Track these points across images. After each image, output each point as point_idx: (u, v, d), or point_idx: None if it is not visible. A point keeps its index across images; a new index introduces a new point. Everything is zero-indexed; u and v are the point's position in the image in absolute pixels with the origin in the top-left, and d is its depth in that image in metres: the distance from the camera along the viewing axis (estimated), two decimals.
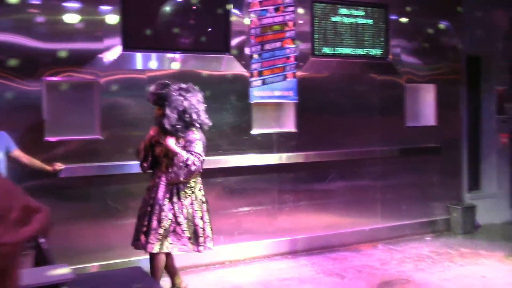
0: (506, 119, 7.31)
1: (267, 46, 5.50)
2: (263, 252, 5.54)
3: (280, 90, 5.59)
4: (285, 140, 5.66)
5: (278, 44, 5.55)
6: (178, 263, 5.04)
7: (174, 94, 3.95)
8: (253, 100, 5.45)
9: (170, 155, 3.96)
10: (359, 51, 6.15)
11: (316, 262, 5.39)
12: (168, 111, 3.92)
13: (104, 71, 4.80)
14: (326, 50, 5.92)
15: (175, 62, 5.12)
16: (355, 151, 6.06)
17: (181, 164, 3.87)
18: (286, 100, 5.66)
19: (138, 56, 4.98)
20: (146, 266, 3.94)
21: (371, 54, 6.22)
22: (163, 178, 3.99)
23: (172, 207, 3.92)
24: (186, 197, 3.97)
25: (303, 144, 5.75)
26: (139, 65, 4.98)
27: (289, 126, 5.76)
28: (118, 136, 4.86)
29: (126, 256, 4.73)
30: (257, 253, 5.51)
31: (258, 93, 5.48)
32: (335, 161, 5.97)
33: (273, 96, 5.58)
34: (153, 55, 5.04)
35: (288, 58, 5.61)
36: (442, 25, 6.68)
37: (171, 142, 3.94)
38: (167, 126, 3.92)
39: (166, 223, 3.89)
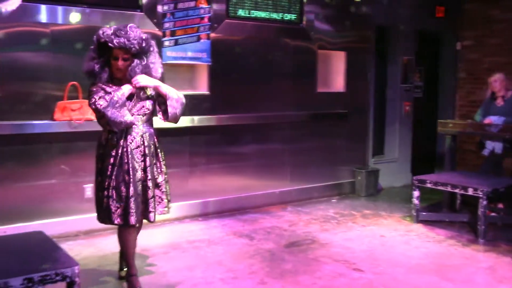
0: (409, 88, 7.70)
1: (181, 5, 5.33)
2: (174, 215, 5.49)
3: (193, 51, 5.49)
4: (198, 103, 5.59)
5: (192, 4, 5.40)
6: (82, 226, 4.93)
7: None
8: (165, 61, 5.30)
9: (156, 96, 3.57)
10: (274, 15, 6.14)
11: (226, 224, 5.46)
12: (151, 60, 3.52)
13: (1, 23, 4.45)
14: (241, 12, 5.86)
15: (82, 16, 4.84)
16: (268, 115, 6.13)
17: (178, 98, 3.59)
18: (199, 62, 5.57)
19: (42, 8, 4.65)
20: (49, 231, 3.79)
21: (286, 19, 6.24)
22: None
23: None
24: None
25: (216, 107, 5.72)
26: (42, 18, 4.66)
27: (202, 88, 5.70)
28: (17, 93, 4.56)
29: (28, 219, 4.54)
30: (168, 216, 5.46)
31: (170, 54, 5.34)
32: (247, 124, 6.01)
33: (186, 57, 5.46)
34: (59, 8, 4.73)
35: (202, 18, 5.49)
36: None
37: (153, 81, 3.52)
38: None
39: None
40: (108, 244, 4.66)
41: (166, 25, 5.28)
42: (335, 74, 6.89)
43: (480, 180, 5.37)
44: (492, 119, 5.75)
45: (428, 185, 5.50)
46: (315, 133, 6.60)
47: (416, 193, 5.53)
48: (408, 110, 7.71)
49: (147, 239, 4.85)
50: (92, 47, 3.52)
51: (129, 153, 3.47)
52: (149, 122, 3.64)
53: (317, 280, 3.93)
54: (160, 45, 5.22)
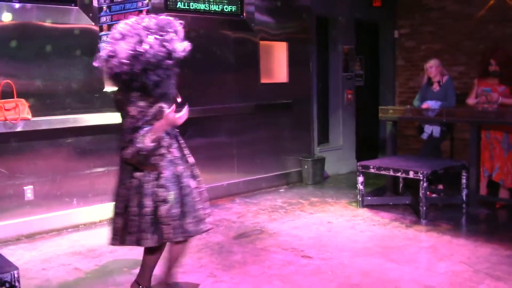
0: (351, 76, 7.86)
1: None
2: None
3: None
4: None
5: None
6: (23, 230, 4.76)
7: None
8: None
9: None
10: (214, 7, 6.11)
11: None
12: None
13: None
14: (180, 5, 5.79)
15: (14, 12, 4.65)
16: (212, 108, 6.10)
17: None
18: None
19: None
20: None
21: (226, 10, 6.22)
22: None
23: None
24: None
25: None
26: None
27: None
28: None
29: None
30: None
31: None
32: (192, 118, 5.91)
33: None
34: None
35: (140, 11, 5.36)
36: None
37: None
38: None
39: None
40: (51, 247, 4.52)
41: (103, 19, 5.14)
42: (278, 64, 6.94)
43: (420, 163, 5.56)
44: (429, 104, 5.94)
45: (372, 170, 5.64)
46: (261, 124, 6.63)
47: (360, 179, 5.66)
48: (350, 98, 7.86)
49: (93, 239, 4.75)
50: None
51: None
52: None
53: (266, 269, 3.96)
54: (97, 39, 5.09)
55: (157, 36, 2.95)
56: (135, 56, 2.88)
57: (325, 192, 6.58)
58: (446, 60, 7.12)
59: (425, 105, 5.98)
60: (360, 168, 5.68)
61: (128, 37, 2.93)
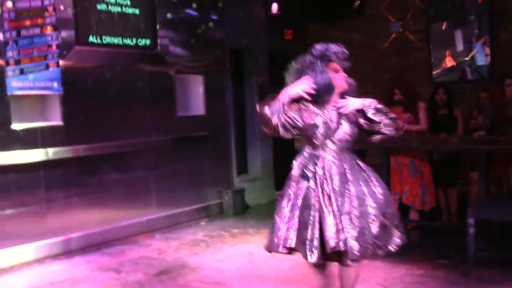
0: None
1: (24, 32, 5.03)
2: (33, 256, 5.11)
3: (42, 81, 5.19)
4: (51, 134, 5.29)
5: (37, 31, 5.11)
6: None
7: None
8: (11, 92, 4.95)
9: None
10: (128, 41, 6.05)
11: (91, 259, 5.19)
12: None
13: None
14: (92, 39, 5.68)
15: None
16: (128, 142, 5.98)
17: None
18: (50, 91, 5.28)
19: None
20: None
21: (140, 44, 6.18)
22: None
23: None
24: None
25: (71, 138, 5.44)
26: None
27: (55, 119, 5.40)
28: None
29: None
30: (26, 258, 5.06)
31: (16, 84, 5.00)
32: (107, 153, 5.81)
33: (35, 87, 5.15)
34: None
35: (49, 46, 5.22)
36: (208, 18, 6.98)
37: None
38: None
39: None
40: None
41: (9, 53, 4.94)
42: (195, 97, 6.96)
43: None
44: None
45: None
46: (179, 157, 6.58)
47: None
48: None
49: (3, 286, 4.45)
50: (306, 63, 3.37)
51: None
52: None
53: None
54: (3, 74, 4.87)
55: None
56: None
57: (246, 222, 6.60)
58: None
59: None
60: (278, 196, 5.75)
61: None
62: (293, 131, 3.19)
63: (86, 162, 5.59)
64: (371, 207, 3.07)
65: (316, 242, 2.98)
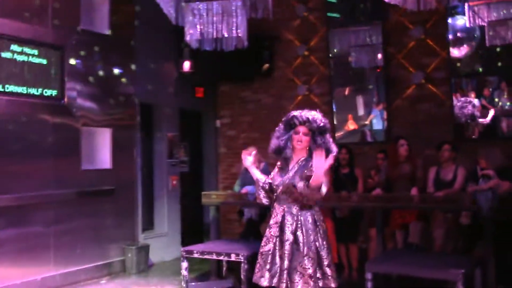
0: (175, 163, 8.02)
1: None
2: None
3: None
4: None
5: None
6: None
7: None
8: None
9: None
10: (33, 91, 5.88)
11: None
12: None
13: None
14: None
15: None
16: (26, 195, 5.69)
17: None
18: None
19: None
20: None
21: (46, 95, 6.02)
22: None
23: None
24: None
25: None
26: None
27: None
28: None
29: None
30: None
31: None
32: (2, 206, 5.48)
33: None
34: None
35: None
36: (117, 73, 6.97)
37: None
38: None
39: None
40: None
41: None
42: (101, 151, 6.82)
43: (241, 246, 5.76)
44: (248, 189, 6.29)
45: (196, 255, 5.68)
46: (82, 212, 6.34)
47: (184, 264, 5.65)
48: (175, 184, 7.97)
49: None
50: (277, 128, 3.96)
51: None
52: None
53: None
54: None
55: None
56: None
57: (149, 281, 6.40)
58: (263, 148, 7.64)
59: (244, 190, 6.31)
60: (184, 253, 5.69)
61: None
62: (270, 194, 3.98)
63: None
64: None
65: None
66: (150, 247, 7.06)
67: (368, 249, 6.26)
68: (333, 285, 3.73)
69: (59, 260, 6.02)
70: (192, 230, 8.48)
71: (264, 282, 3.75)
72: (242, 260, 5.33)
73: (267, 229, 3.91)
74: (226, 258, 5.60)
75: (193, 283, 5.82)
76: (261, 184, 3.95)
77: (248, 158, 4.03)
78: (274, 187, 3.86)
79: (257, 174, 4.02)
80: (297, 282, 3.65)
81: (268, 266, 3.78)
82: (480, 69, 6.82)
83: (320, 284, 3.69)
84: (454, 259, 4.99)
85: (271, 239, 3.83)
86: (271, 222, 3.89)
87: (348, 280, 6.11)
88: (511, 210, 4.92)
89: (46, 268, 5.88)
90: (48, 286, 5.84)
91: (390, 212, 5.96)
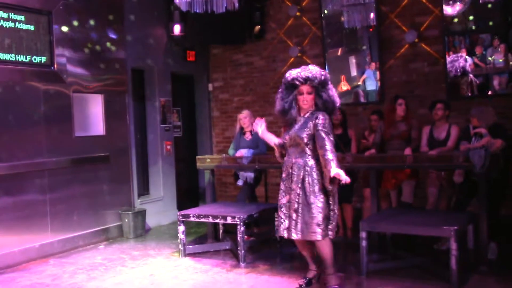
0: (169, 128, 7.99)
1: None
2: None
3: None
4: None
5: None
6: None
7: None
8: None
9: None
10: (21, 58, 5.79)
11: None
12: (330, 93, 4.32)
13: None
14: None
15: None
16: (20, 164, 5.68)
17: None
18: None
19: None
20: None
21: (35, 61, 5.93)
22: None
23: None
24: None
25: None
26: None
27: None
28: None
29: None
30: None
31: None
32: None
33: None
34: None
35: None
36: (107, 37, 6.85)
37: None
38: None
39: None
40: None
41: None
42: (94, 117, 6.77)
43: (237, 209, 5.82)
44: (242, 152, 6.31)
45: (192, 219, 5.74)
46: (77, 179, 6.35)
47: (181, 228, 5.70)
48: (169, 149, 7.97)
49: None
50: (280, 89, 4.32)
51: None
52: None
53: None
54: None
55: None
56: None
57: (147, 244, 6.47)
58: (256, 111, 7.69)
59: (239, 153, 6.33)
60: (181, 217, 5.73)
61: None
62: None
63: None
64: None
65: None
66: (147, 212, 7.11)
67: (363, 209, 6.33)
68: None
69: (56, 227, 6.06)
70: (188, 194, 8.53)
71: (284, 233, 4.30)
72: (238, 223, 5.39)
73: (281, 183, 4.37)
74: (222, 221, 5.65)
75: (190, 246, 5.89)
76: (277, 145, 4.44)
77: (260, 128, 4.39)
78: (284, 142, 4.36)
79: (272, 138, 4.47)
80: (306, 230, 4.13)
81: (285, 218, 4.30)
82: (473, 27, 6.77)
83: (330, 233, 4.19)
84: (447, 216, 5.06)
85: (285, 192, 4.31)
86: (283, 175, 4.35)
87: (343, 239, 6.21)
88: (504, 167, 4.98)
89: (43, 235, 5.92)
90: (46, 253, 5.89)
91: (383, 172, 6.00)
